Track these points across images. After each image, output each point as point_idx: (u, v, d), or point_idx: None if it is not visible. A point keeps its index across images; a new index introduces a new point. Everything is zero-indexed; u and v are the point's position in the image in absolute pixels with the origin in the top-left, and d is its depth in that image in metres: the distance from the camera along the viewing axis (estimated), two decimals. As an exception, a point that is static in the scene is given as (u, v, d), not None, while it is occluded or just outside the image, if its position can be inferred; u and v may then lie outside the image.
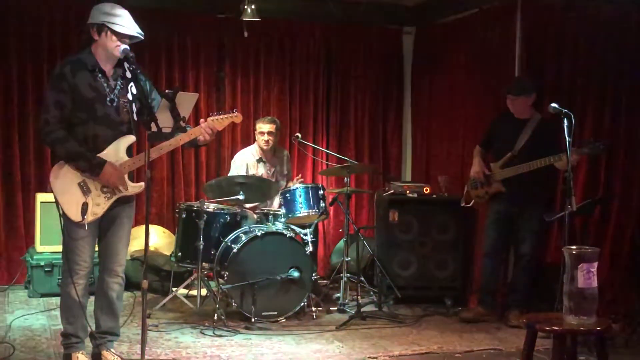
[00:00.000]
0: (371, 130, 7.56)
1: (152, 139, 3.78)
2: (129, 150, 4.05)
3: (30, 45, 6.39)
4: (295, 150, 7.13)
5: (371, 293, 6.23)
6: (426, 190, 6.28)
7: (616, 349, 4.59)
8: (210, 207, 5.65)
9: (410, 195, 6.24)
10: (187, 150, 6.76)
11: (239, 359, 4.51)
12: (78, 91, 3.89)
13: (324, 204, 5.84)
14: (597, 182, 5.31)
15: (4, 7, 6.29)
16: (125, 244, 4.18)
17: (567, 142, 4.36)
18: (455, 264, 6.20)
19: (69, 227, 3.96)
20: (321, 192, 5.85)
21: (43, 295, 5.94)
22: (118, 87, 4.01)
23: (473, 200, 5.73)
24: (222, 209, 5.73)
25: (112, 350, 4.19)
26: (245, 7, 6.37)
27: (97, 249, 4.16)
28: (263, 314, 5.29)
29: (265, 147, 6.17)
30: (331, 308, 5.78)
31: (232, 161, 6.34)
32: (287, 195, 5.79)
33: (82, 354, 4.10)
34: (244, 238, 5.36)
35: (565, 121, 4.37)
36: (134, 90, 4.01)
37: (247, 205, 5.96)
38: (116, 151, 3.98)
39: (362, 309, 5.51)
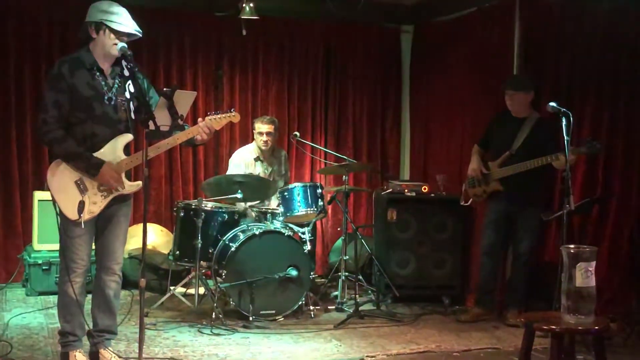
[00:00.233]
0: (369, 128, 7.56)
1: (150, 137, 3.77)
2: (127, 149, 4.05)
3: (29, 44, 6.37)
4: (294, 149, 7.12)
5: (369, 292, 6.24)
6: (424, 189, 6.28)
7: (614, 348, 4.60)
8: (208, 205, 5.65)
9: (409, 194, 6.24)
10: (185, 148, 6.76)
11: (237, 357, 4.51)
12: (76, 90, 3.88)
13: (322, 203, 5.84)
14: (595, 182, 5.31)
15: (3, 6, 6.27)
16: (122, 242, 4.17)
17: (565, 141, 4.36)
18: (454, 263, 6.20)
19: (66, 226, 3.96)
20: (319, 190, 5.84)
21: (41, 294, 5.94)
22: (116, 85, 4.00)
23: (471, 199, 5.73)
24: (220, 208, 5.73)
25: (109, 348, 4.19)
26: (244, 5, 6.36)
27: (94, 247, 4.15)
28: (261, 312, 5.29)
29: (263, 147, 6.17)
30: (329, 307, 5.78)
31: (230, 160, 6.33)
32: (285, 194, 5.78)
33: (79, 352, 4.10)
34: (242, 237, 5.36)
35: (564, 120, 4.37)
36: (132, 89, 3.99)
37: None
38: (114, 150, 3.97)
39: (360, 308, 5.51)
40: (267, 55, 7.20)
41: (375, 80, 7.55)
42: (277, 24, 7.17)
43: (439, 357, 4.67)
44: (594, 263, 3.31)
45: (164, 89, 3.85)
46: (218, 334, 4.98)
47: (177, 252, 5.67)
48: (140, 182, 4.05)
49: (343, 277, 5.85)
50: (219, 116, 4.12)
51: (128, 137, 4.03)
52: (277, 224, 5.60)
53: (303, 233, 5.70)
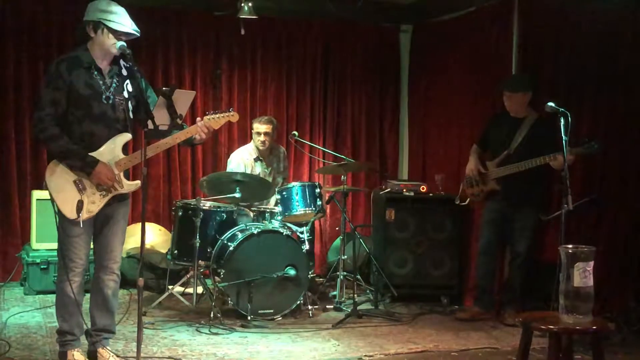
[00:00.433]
0: (368, 128, 7.55)
1: (149, 136, 3.77)
2: (125, 148, 4.04)
3: (27, 42, 6.37)
4: (292, 148, 7.12)
5: (367, 291, 6.24)
6: (423, 188, 6.28)
7: (612, 347, 4.60)
8: (207, 204, 5.65)
9: (407, 193, 6.24)
10: (184, 147, 6.75)
11: (235, 357, 4.51)
12: (74, 89, 3.88)
13: (320, 202, 5.84)
14: (593, 182, 5.31)
15: (1, 4, 6.27)
16: (121, 241, 4.17)
17: (563, 142, 4.36)
18: (452, 262, 6.20)
19: (64, 225, 3.96)
20: (318, 190, 5.84)
21: (39, 293, 5.94)
22: (114, 84, 4.00)
23: (469, 199, 5.73)
24: (219, 207, 5.72)
25: (107, 347, 4.19)
26: (242, 4, 6.36)
27: (92, 246, 4.15)
28: (259, 312, 5.29)
29: (261, 148, 6.17)
30: (327, 306, 5.78)
31: (229, 160, 6.32)
32: (284, 193, 5.78)
33: (77, 351, 4.10)
34: (240, 236, 5.36)
35: (562, 120, 4.37)
36: (130, 88, 4.00)
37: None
38: (112, 149, 3.97)
39: (359, 307, 5.51)
40: (266, 55, 7.20)
41: (373, 80, 7.54)
42: (275, 23, 7.17)
43: (437, 356, 4.67)
44: (591, 263, 3.31)
45: (163, 88, 3.85)
46: (216, 334, 4.98)
47: (176, 252, 5.67)
48: (138, 182, 4.05)
49: (341, 277, 5.85)
50: (217, 116, 4.12)
51: (127, 136, 4.03)
52: (275, 224, 5.60)
53: (301, 232, 5.70)
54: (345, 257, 5.93)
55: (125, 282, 5.55)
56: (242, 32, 6.62)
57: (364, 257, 6.51)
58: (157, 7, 6.68)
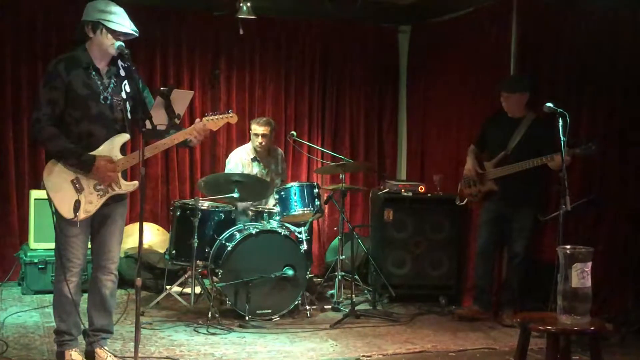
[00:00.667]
0: (366, 128, 7.56)
1: (147, 136, 3.77)
2: (123, 149, 4.03)
3: (25, 43, 6.36)
4: (291, 149, 7.12)
5: (365, 291, 6.24)
6: (421, 189, 6.28)
7: (610, 348, 4.59)
8: (205, 204, 5.64)
9: (405, 194, 6.24)
10: (182, 148, 6.74)
11: (233, 357, 4.51)
12: (72, 89, 3.87)
13: (318, 203, 5.83)
14: (592, 182, 5.32)
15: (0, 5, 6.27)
16: (118, 241, 4.17)
17: (561, 142, 4.36)
18: (450, 262, 6.21)
19: (61, 225, 3.95)
20: (316, 190, 5.84)
21: (36, 293, 5.93)
22: (112, 85, 3.99)
23: (466, 199, 5.73)
24: (217, 207, 5.72)
25: (105, 347, 4.18)
26: (241, 4, 6.36)
27: (90, 246, 4.15)
28: (257, 312, 5.29)
29: (259, 149, 6.17)
30: (325, 306, 5.78)
31: (227, 160, 6.32)
32: (282, 193, 5.77)
33: (75, 351, 4.09)
34: (238, 236, 5.35)
35: (560, 121, 4.37)
36: (128, 89, 4.00)
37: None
38: (110, 149, 3.96)
39: (356, 308, 5.51)
40: (264, 55, 7.20)
41: (372, 80, 7.55)
42: (274, 23, 7.17)
43: (435, 357, 4.67)
44: (590, 264, 3.31)
45: (162, 88, 3.85)
46: (214, 334, 4.97)
47: (174, 252, 5.66)
48: (136, 182, 4.04)
49: (339, 277, 5.84)
50: (216, 117, 4.10)
51: (125, 136, 4.02)
52: (273, 224, 5.60)
53: (299, 232, 5.70)
54: (344, 257, 5.93)
55: (123, 282, 5.57)
56: (241, 32, 6.61)
57: (362, 257, 6.51)
58: (156, 6, 6.68)
